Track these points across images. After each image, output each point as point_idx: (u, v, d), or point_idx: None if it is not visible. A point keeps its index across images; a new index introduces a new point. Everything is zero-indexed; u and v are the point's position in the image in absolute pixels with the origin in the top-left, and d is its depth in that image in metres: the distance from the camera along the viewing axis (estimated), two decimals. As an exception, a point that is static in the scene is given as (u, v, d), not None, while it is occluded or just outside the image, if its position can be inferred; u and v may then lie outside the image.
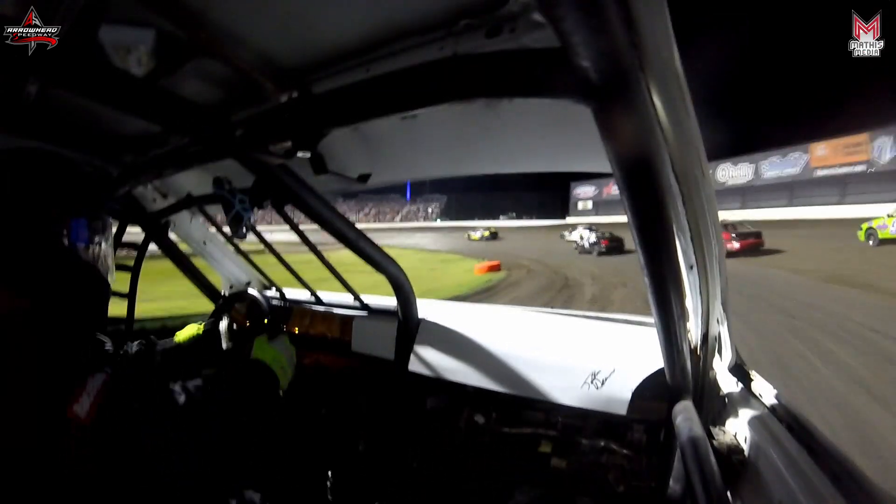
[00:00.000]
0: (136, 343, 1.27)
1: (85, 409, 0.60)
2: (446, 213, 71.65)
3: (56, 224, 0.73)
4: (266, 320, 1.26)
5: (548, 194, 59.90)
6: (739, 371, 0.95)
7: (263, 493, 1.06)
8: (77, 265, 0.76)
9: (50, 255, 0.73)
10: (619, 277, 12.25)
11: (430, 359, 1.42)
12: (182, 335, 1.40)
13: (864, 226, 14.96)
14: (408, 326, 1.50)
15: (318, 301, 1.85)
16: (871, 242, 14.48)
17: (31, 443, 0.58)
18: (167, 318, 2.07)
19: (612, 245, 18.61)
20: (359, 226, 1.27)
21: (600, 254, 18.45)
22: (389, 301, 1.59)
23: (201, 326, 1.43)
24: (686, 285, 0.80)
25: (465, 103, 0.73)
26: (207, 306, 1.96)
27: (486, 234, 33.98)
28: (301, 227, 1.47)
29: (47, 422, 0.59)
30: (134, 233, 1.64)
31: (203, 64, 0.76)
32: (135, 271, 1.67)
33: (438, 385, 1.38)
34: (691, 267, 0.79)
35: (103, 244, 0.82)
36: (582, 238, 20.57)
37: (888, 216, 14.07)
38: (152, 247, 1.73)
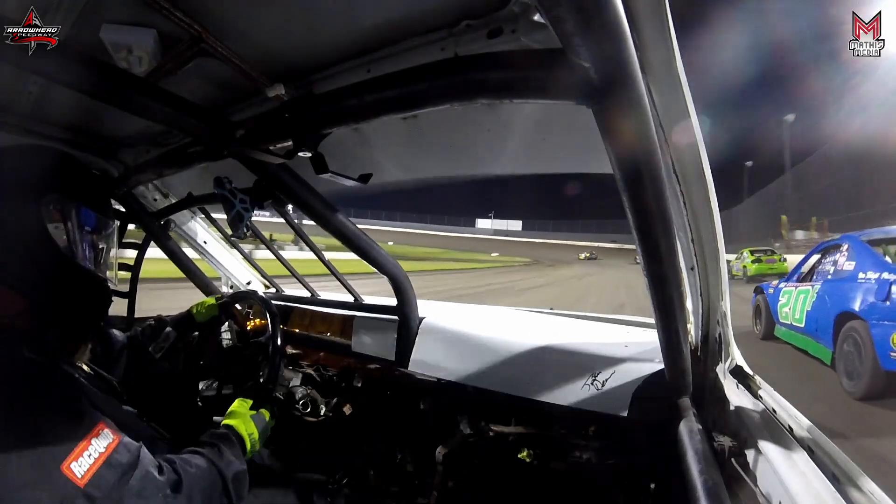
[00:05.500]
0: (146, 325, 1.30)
1: (82, 471, 0.56)
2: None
3: (57, 223, 0.72)
4: (258, 380, 1.20)
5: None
6: (740, 372, 0.95)
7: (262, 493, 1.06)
8: (78, 268, 0.74)
9: (51, 256, 0.71)
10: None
11: (430, 359, 1.42)
12: (199, 310, 1.41)
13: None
14: (408, 327, 1.49)
15: (319, 301, 1.85)
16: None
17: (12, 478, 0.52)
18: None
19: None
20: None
21: None
22: (389, 301, 1.58)
23: (215, 305, 1.43)
24: (686, 286, 0.80)
25: (466, 104, 0.73)
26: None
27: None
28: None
29: (38, 466, 0.54)
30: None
31: (203, 64, 0.76)
32: (135, 271, 1.67)
33: (439, 386, 1.38)
34: (692, 268, 0.79)
35: (106, 245, 0.81)
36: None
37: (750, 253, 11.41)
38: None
